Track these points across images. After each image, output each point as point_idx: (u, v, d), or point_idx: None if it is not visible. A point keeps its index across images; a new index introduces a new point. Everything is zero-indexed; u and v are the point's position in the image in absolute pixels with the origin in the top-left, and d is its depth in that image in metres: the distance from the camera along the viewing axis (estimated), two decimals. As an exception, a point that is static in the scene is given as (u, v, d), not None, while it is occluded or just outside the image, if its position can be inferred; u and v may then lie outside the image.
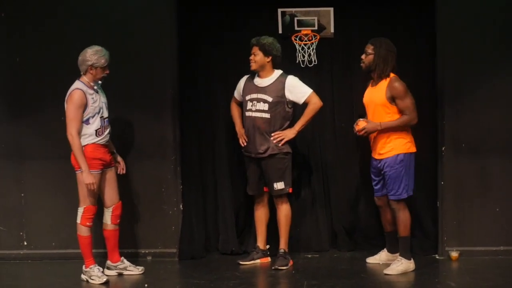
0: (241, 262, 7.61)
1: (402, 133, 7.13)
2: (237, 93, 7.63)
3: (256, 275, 7.29)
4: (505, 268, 7.34)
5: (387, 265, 7.30)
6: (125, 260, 7.41)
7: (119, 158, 7.38)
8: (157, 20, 7.72)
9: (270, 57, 7.39)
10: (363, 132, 7.14)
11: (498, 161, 7.66)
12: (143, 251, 7.87)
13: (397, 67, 7.17)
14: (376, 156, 7.21)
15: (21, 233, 7.92)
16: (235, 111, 7.69)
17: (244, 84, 7.55)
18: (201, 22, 7.99)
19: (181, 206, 7.90)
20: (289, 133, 7.40)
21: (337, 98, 8.05)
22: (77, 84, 7.03)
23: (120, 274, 7.36)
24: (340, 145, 8.09)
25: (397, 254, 7.35)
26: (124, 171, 7.38)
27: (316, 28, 7.92)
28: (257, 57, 7.39)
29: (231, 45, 8.00)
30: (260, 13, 8.02)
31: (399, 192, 7.14)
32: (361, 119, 7.22)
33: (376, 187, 7.35)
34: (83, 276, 7.21)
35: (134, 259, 7.66)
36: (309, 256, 7.91)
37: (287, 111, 7.41)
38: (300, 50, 7.95)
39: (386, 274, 7.17)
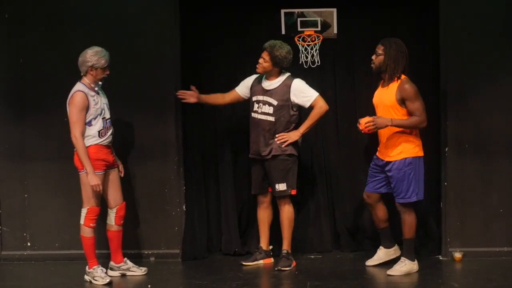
0: (244, 263, 7.61)
1: (411, 136, 7.11)
2: (243, 87, 7.56)
3: (259, 276, 7.30)
4: (509, 269, 7.33)
5: (389, 262, 7.28)
6: (128, 261, 7.41)
7: (118, 161, 7.37)
8: (159, 20, 7.72)
9: (279, 68, 7.37)
10: (372, 125, 7.03)
11: (501, 162, 7.65)
12: (146, 252, 7.87)
13: (408, 68, 7.12)
14: (383, 157, 7.18)
15: (24, 234, 7.93)
16: (219, 96, 7.62)
17: (252, 84, 7.53)
18: (203, 22, 7.99)
19: (184, 207, 7.90)
20: (293, 135, 7.39)
21: (340, 98, 8.05)
22: (78, 86, 7.03)
23: (123, 275, 7.37)
24: (343, 146, 8.09)
25: (394, 247, 7.35)
26: (122, 175, 7.38)
27: (319, 28, 7.92)
28: (265, 64, 7.35)
29: (234, 46, 8.00)
30: (263, 14, 8.01)
31: (408, 195, 7.12)
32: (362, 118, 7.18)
33: (372, 183, 7.28)
34: (86, 277, 7.22)
35: (137, 260, 7.67)
36: (312, 256, 7.91)
37: (292, 115, 7.40)
38: (303, 51, 7.95)
39: (389, 275, 7.16)
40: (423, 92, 7.78)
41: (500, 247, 7.69)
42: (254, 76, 7.56)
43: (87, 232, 7.13)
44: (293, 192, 7.49)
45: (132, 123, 7.79)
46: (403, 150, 7.10)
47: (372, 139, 7.51)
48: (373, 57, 7.15)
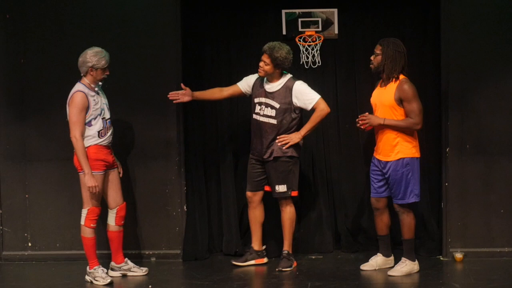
0: (234, 262, 7.60)
1: (409, 137, 7.09)
2: (245, 83, 7.53)
3: (259, 276, 7.29)
4: (509, 270, 7.32)
5: (383, 270, 7.28)
6: (129, 261, 7.42)
7: (117, 162, 7.38)
8: (160, 21, 7.72)
9: (280, 70, 7.36)
10: (366, 122, 7.06)
11: (502, 162, 7.65)
12: (147, 252, 7.87)
13: (407, 68, 7.12)
14: (381, 158, 7.18)
15: (25, 234, 7.94)
16: (215, 91, 7.56)
17: (255, 83, 7.50)
18: (205, 22, 7.99)
19: (185, 207, 7.90)
20: (294, 137, 7.37)
21: (341, 99, 8.05)
22: (78, 86, 7.04)
23: (124, 275, 7.37)
24: (344, 146, 8.09)
25: (391, 257, 7.36)
26: (120, 175, 7.38)
27: (320, 29, 7.92)
28: (267, 67, 7.32)
29: (236, 46, 8.00)
30: (264, 14, 8.02)
31: (406, 197, 7.11)
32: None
33: (375, 186, 7.27)
34: (87, 277, 7.22)
35: (138, 260, 7.67)
36: (313, 257, 7.91)
37: (294, 117, 7.38)
38: (304, 51, 7.95)
39: (390, 276, 7.16)
40: (424, 93, 7.81)
41: (501, 247, 7.68)
42: (256, 75, 7.54)
43: (87, 232, 7.13)
44: (294, 193, 7.49)
45: (133, 124, 7.79)
46: (400, 150, 7.09)
47: (373, 140, 7.49)
48: (372, 57, 7.16)
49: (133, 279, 7.32)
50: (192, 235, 7.91)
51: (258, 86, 7.48)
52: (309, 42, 7.94)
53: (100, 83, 7.10)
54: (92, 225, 7.12)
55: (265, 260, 7.65)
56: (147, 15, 7.74)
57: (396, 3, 7.90)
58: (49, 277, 7.45)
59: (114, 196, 7.27)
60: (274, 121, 7.38)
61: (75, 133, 6.96)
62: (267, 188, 7.57)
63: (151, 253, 7.88)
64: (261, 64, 7.34)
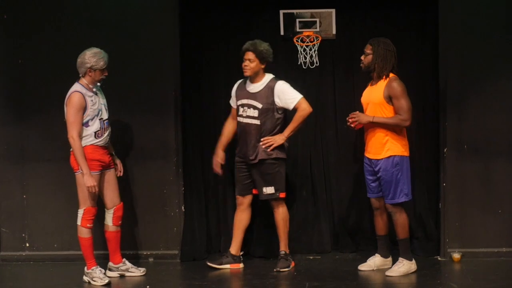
0: (209, 263, 7.56)
1: (398, 136, 7.09)
2: (232, 101, 7.57)
3: (257, 277, 7.28)
4: (507, 270, 7.33)
5: (381, 270, 7.28)
6: (126, 262, 7.41)
7: (117, 161, 7.38)
8: (159, 22, 7.73)
9: (265, 64, 7.35)
10: (355, 119, 7.06)
11: (500, 162, 7.65)
12: (145, 253, 7.87)
13: (397, 67, 7.13)
14: (371, 156, 7.17)
15: (23, 235, 7.94)
16: (226, 127, 7.61)
17: (237, 89, 7.51)
18: (203, 24, 8.00)
19: (182, 207, 7.90)
20: (278, 139, 7.34)
21: (339, 99, 8.05)
22: (75, 86, 7.04)
23: (121, 276, 7.37)
24: (342, 147, 8.09)
25: (390, 258, 7.35)
26: (121, 174, 7.38)
27: (318, 29, 7.92)
28: (253, 64, 7.32)
29: (234, 47, 7.97)
30: (262, 15, 8.02)
31: (396, 196, 7.11)
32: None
33: (371, 186, 7.26)
34: (85, 278, 7.22)
35: (136, 261, 7.67)
36: (311, 257, 7.91)
37: (277, 117, 7.36)
38: (302, 52, 7.95)
39: (388, 276, 7.16)
40: (422, 93, 7.81)
41: (499, 247, 7.69)
42: (237, 83, 7.54)
43: (84, 232, 7.13)
44: (282, 195, 7.44)
45: (132, 124, 7.79)
46: (390, 148, 7.09)
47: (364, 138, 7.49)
48: (362, 57, 7.18)
49: (131, 279, 7.32)
50: (190, 235, 7.91)
51: (241, 89, 7.47)
52: (307, 42, 7.94)
53: (98, 84, 7.10)
54: (88, 225, 7.12)
55: (241, 265, 7.57)
56: (145, 16, 7.74)
57: (394, 3, 7.90)
58: (47, 278, 7.45)
59: (111, 196, 7.26)
60: (257, 122, 7.35)
61: (72, 133, 6.96)
62: (255, 191, 7.54)
63: (149, 253, 7.88)
64: (246, 63, 7.33)
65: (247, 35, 7.88)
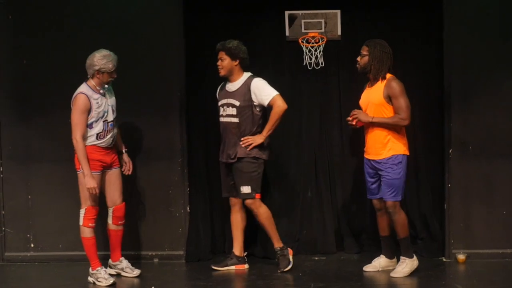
0: (213, 267, 7.56)
1: (399, 135, 7.09)
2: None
3: (262, 278, 7.28)
4: (512, 271, 7.35)
5: (386, 271, 7.28)
6: (124, 261, 7.40)
7: (127, 159, 7.38)
8: (164, 23, 7.72)
9: (238, 60, 7.34)
10: (355, 116, 7.08)
11: (505, 163, 7.64)
12: (150, 253, 7.87)
13: (392, 69, 7.12)
14: (371, 157, 7.16)
15: (28, 235, 7.94)
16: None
17: (218, 91, 7.54)
18: (208, 25, 7.99)
19: (188, 208, 7.90)
20: (258, 139, 7.32)
21: (344, 100, 8.05)
22: (82, 88, 7.03)
23: (118, 274, 7.36)
24: (347, 147, 8.09)
25: (395, 259, 7.34)
26: (130, 172, 7.38)
27: (323, 30, 7.92)
28: (225, 62, 7.33)
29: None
30: (267, 16, 8.01)
31: (398, 194, 7.10)
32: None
33: (371, 188, 7.25)
34: (90, 278, 7.22)
35: (141, 261, 7.68)
36: (316, 258, 7.91)
37: (256, 115, 7.35)
38: (307, 53, 7.95)
39: (392, 277, 7.15)
40: (427, 93, 7.81)
41: (503, 249, 7.68)
42: (220, 86, 7.55)
43: (86, 232, 7.12)
44: (258, 196, 7.39)
45: (137, 125, 7.79)
46: (392, 147, 7.08)
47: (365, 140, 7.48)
48: (358, 58, 7.18)
49: (136, 280, 7.30)
50: (195, 236, 7.91)
51: (220, 91, 7.51)
52: (312, 43, 7.94)
53: (106, 86, 7.09)
54: (90, 224, 7.11)
55: (246, 266, 7.57)
56: (150, 17, 7.74)
57: (399, 3, 7.90)
58: (52, 278, 7.45)
59: (112, 195, 7.26)
60: (236, 120, 7.35)
61: (76, 135, 6.96)
62: None
63: (154, 254, 7.88)
64: (219, 63, 7.35)
65: (252, 37, 7.93)
